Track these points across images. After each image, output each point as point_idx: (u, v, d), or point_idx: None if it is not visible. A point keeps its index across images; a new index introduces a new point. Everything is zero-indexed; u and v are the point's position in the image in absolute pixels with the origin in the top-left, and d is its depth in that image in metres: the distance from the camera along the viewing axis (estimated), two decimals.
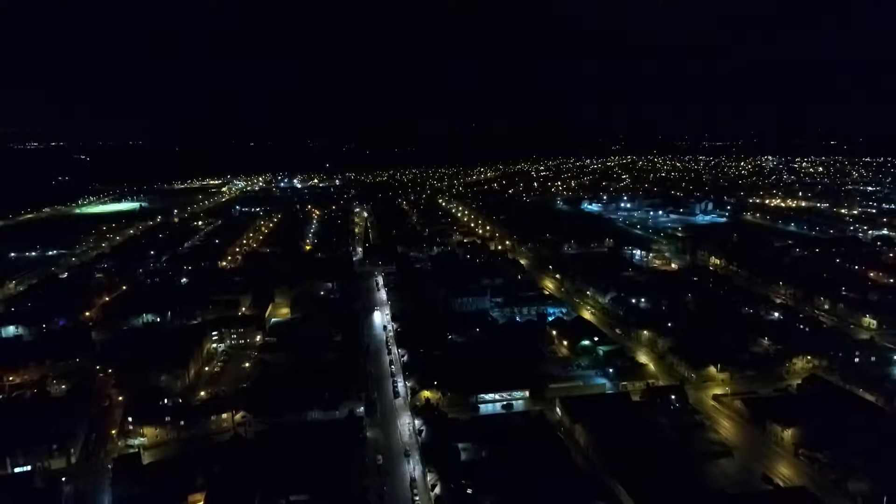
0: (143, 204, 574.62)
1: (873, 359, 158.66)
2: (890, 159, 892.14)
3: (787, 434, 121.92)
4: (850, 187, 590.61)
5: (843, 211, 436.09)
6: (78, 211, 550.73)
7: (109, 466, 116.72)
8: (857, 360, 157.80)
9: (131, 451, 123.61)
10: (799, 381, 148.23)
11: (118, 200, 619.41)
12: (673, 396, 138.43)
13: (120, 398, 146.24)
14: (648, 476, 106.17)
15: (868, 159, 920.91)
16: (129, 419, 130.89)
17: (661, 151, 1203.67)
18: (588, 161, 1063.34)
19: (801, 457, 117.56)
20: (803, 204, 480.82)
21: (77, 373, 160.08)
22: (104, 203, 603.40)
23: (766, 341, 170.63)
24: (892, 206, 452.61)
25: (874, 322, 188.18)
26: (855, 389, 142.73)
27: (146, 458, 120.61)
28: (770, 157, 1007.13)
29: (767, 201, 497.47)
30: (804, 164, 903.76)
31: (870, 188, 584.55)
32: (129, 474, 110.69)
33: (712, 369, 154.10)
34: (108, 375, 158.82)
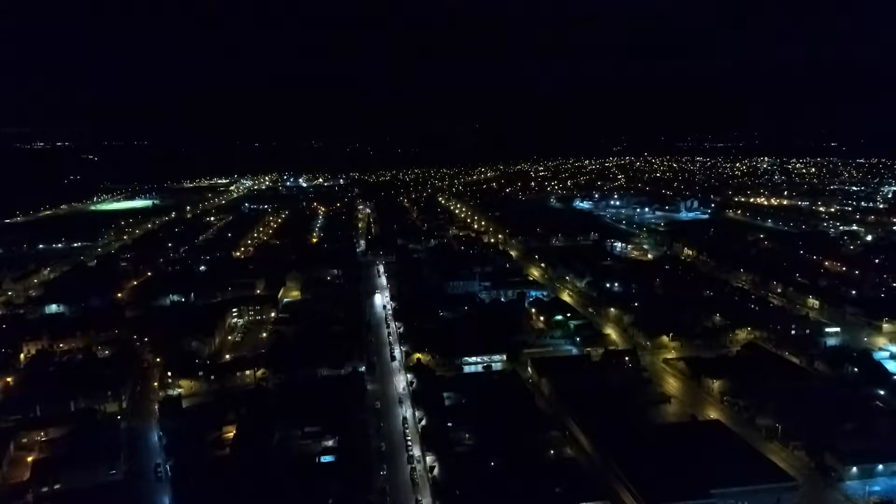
0: (155, 201, 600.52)
1: (807, 331, 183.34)
2: (883, 160, 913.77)
3: (716, 385, 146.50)
4: (835, 187, 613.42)
5: (821, 209, 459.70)
6: (93, 208, 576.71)
7: (155, 408, 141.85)
8: (792, 331, 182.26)
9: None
10: (739, 348, 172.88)
11: (131, 198, 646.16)
12: (626, 358, 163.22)
13: (157, 360, 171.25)
14: (596, 414, 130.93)
15: (861, 160, 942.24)
16: (169, 373, 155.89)
17: (662, 153, 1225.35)
18: (587, 162, 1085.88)
19: (725, 402, 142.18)
20: (785, 202, 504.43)
21: (117, 342, 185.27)
22: (118, 200, 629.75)
23: (717, 317, 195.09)
24: (870, 205, 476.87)
25: (817, 303, 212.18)
26: (784, 354, 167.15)
27: (183, 405, 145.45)
28: (766, 158, 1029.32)
29: (752, 199, 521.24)
30: (798, 164, 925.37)
31: (854, 188, 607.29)
32: (172, 412, 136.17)
33: (665, 338, 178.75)
34: (144, 343, 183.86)
